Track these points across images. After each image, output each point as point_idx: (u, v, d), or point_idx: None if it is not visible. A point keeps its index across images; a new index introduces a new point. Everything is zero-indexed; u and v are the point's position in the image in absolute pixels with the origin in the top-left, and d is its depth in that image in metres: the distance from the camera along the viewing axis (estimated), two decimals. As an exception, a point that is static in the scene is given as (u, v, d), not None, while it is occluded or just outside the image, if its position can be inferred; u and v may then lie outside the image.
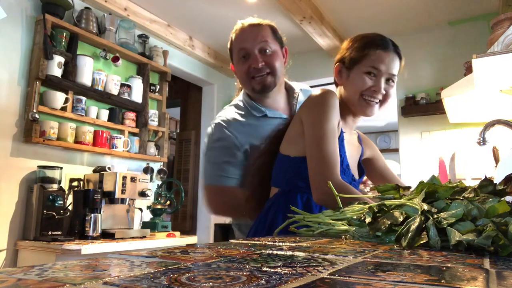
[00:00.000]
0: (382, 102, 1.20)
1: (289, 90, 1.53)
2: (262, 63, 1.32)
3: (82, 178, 2.56)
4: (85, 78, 2.62)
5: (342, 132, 1.17)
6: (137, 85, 3.02)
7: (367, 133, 7.10)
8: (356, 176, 1.26)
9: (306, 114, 1.14)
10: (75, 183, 2.47)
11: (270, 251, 0.48)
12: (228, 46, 1.42)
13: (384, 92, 1.19)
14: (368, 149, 1.38)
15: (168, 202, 3.01)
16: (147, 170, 3.09)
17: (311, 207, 1.11)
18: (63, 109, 2.52)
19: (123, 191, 2.46)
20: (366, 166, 1.39)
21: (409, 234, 0.54)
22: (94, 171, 2.64)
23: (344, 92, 1.21)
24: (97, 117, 2.74)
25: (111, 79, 2.81)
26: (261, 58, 1.33)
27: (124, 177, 2.48)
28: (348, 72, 1.19)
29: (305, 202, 1.12)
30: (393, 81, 1.23)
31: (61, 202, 2.28)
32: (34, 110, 2.35)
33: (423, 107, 3.26)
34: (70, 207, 2.31)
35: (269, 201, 1.19)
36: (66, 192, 2.36)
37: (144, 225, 2.83)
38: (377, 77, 1.17)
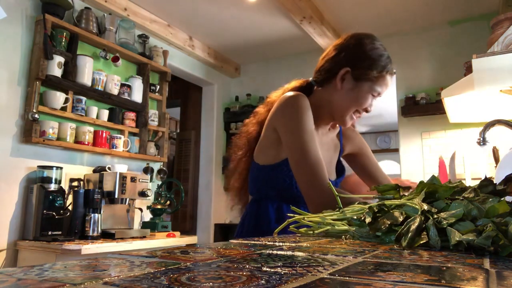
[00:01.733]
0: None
1: None
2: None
3: (82, 178, 2.56)
4: (85, 78, 2.62)
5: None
6: (137, 85, 3.02)
7: (367, 133, 7.10)
8: (332, 177, 1.23)
9: (280, 121, 1.09)
10: (75, 183, 2.47)
11: (270, 251, 0.48)
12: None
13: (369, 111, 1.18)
14: (349, 144, 1.33)
15: (168, 202, 3.01)
16: (147, 170, 3.09)
17: (283, 214, 1.09)
18: (63, 109, 2.52)
19: (123, 191, 2.46)
20: (350, 160, 1.35)
21: (409, 234, 0.54)
22: (94, 171, 2.64)
23: (336, 98, 1.13)
24: (97, 117, 2.74)
25: (111, 79, 2.81)
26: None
27: (124, 177, 2.48)
28: (354, 83, 1.11)
29: (277, 209, 1.11)
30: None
31: (61, 202, 2.28)
32: (34, 110, 2.35)
33: (423, 107, 3.26)
34: (70, 207, 2.31)
35: (246, 209, 1.18)
36: (66, 192, 2.36)
37: (144, 225, 2.83)
38: (374, 98, 1.15)
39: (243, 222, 1.15)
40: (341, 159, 1.33)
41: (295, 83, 1.23)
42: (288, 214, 0.79)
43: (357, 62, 1.11)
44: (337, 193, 0.82)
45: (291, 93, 1.11)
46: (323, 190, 0.98)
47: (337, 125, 1.28)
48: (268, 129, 1.13)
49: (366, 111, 1.15)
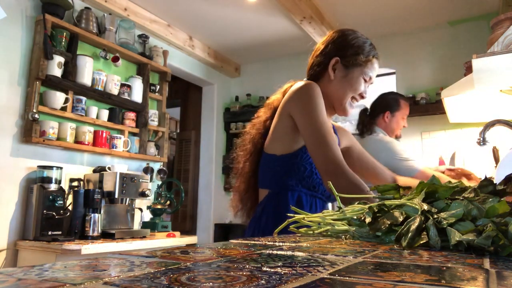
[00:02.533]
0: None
1: None
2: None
3: (82, 178, 2.56)
4: (85, 78, 2.62)
5: None
6: (137, 85, 3.02)
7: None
8: None
9: (296, 107, 1.13)
10: (75, 183, 2.47)
11: (270, 251, 0.48)
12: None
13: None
14: (344, 139, 1.38)
15: (168, 202, 3.02)
16: (147, 170, 3.09)
17: (302, 205, 1.11)
18: (63, 109, 2.52)
19: (123, 191, 2.46)
20: (345, 155, 1.36)
21: (409, 234, 0.54)
22: (94, 171, 2.64)
23: (332, 88, 1.20)
24: (97, 117, 2.74)
25: (111, 79, 2.81)
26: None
27: (124, 177, 2.48)
28: (345, 71, 1.19)
29: (297, 200, 1.11)
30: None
31: (61, 202, 2.28)
32: (34, 110, 2.35)
33: (423, 107, 3.26)
34: (70, 207, 2.31)
35: (260, 205, 1.17)
36: (66, 192, 2.36)
37: (144, 225, 2.83)
38: (367, 83, 1.21)
39: (259, 220, 1.14)
40: None
41: (292, 83, 1.26)
42: (288, 214, 0.79)
43: (345, 51, 1.20)
44: (337, 193, 0.82)
45: (303, 82, 1.17)
46: (340, 165, 1.02)
47: (331, 124, 1.33)
48: (282, 117, 1.16)
49: (362, 97, 1.21)
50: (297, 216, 0.77)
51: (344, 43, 1.21)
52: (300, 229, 0.76)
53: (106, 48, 2.79)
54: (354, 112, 1.45)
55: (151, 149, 3.09)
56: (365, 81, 1.20)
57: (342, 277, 0.31)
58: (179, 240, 2.73)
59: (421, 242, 0.54)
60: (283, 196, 1.12)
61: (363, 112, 2.24)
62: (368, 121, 2.18)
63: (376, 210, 0.64)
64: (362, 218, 0.65)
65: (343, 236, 0.67)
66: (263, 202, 1.16)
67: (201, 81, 4.17)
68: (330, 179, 1.01)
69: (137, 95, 3.00)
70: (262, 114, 1.26)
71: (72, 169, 2.62)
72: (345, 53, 1.19)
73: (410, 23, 3.42)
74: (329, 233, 0.71)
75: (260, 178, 1.20)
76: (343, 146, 1.36)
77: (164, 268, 0.33)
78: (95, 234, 2.27)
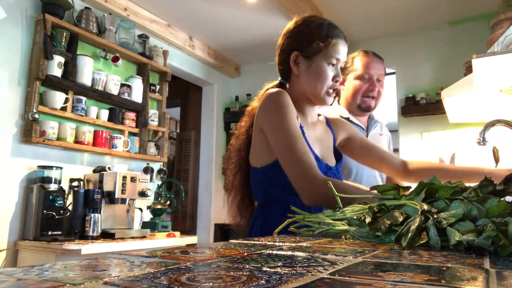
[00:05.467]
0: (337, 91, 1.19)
1: None
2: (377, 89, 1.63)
3: (82, 178, 2.56)
4: (85, 78, 2.62)
5: (301, 126, 1.12)
6: (137, 85, 3.02)
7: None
8: (332, 163, 1.22)
9: (264, 121, 1.10)
10: (75, 183, 2.47)
11: (270, 251, 0.48)
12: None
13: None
14: (341, 131, 1.32)
15: (168, 202, 3.01)
16: (147, 170, 3.09)
17: (291, 212, 1.09)
18: (63, 109, 2.52)
19: (123, 191, 2.46)
20: (346, 148, 1.33)
21: (409, 234, 0.54)
22: (94, 171, 2.64)
23: (302, 83, 1.16)
24: (97, 117, 2.74)
25: (111, 79, 2.81)
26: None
27: (124, 177, 2.48)
28: (308, 62, 1.14)
29: (284, 208, 1.07)
30: (343, 69, 1.21)
31: (61, 202, 2.28)
32: (34, 110, 2.35)
33: (423, 107, 3.26)
34: (70, 207, 2.31)
35: (252, 217, 1.17)
36: (66, 192, 2.36)
37: (144, 225, 2.83)
38: (336, 67, 1.15)
39: (251, 231, 1.13)
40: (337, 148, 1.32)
41: (267, 87, 1.25)
42: (288, 214, 0.79)
43: (300, 42, 1.14)
44: (337, 193, 0.82)
45: (271, 91, 1.13)
46: (314, 180, 0.98)
47: (323, 117, 1.30)
48: (256, 131, 1.14)
49: (337, 81, 1.15)
50: (297, 216, 0.77)
51: (298, 34, 1.15)
52: (300, 229, 0.76)
53: (106, 48, 2.79)
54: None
55: (151, 149, 3.09)
56: (332, 65, 1.14)
57: (342, 277, 0.31)
58: (179, 240, 2.73)
59: (421, 242, 0.54)
60: (270, 207, 1.11)
61: None
62: None
63: (376, 210, 0.64)
64: (362, 218, 0.65)
65: (343, 236, 0.67)
66: (254, 213, 1.16)
67: (201, 81, 4.17)
68: (304, 196, 1.01)
69: (137, 95, 3.00)
70: (243, 123, 1.23)
71: (72, 169, 2.62)
72: (302, 44, 1.14)
73: (410, 23, 3.42)
74: (329, 233, 0.71)
75: (252, 191, 1.19)
76: (342, 139, 1.32)
77: (164, 268, 0.33)
78: (95, 234, 2.27)
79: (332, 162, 1.23)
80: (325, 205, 0.99)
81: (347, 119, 1.72)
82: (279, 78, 1.25)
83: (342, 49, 1.15)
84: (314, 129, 1.22)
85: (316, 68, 1.13)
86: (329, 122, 1.31)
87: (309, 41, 1.13)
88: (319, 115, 1.32)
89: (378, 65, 1.74)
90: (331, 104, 1.23)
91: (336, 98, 1.81)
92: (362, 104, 1.72)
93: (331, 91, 1.15)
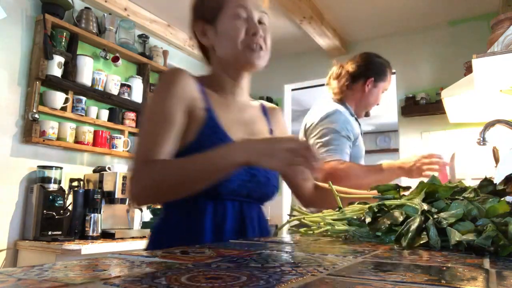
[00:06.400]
0: (263, 48, 0.99)
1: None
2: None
3: (82, 178, 2.56)
4: (85, 78, 2.62)
5: (209, 109, 0.93)
6: (137, 85, 3.02)
7: (367, 133, 7.09)
8: None
9: None
10: (75, 183, 2.47)
11: (270, 251, 0.48)
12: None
13: (262, 34, 0.99)
14: (276, 124, 1.13)
15: (168, 202, 3.01)
16: (147, 170, 3.08)
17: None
18: (63, 109, 2.52)
19: (123, 191, 2.46)
20: None
21: (409, 234, 0.54)
22: (94, 171, 2.64)
23: (218, 52, 0.99)
24: (97, 117, 2.74)
25: (111, 79, 2.81)
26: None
27: (124, 177, 2.48)
28: (213, 26, 0.98)
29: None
30: (265, 23, 1.03)
31: (61, 202, 2.28)
32: (34, 110, 2.35)
33: (423, 107, 3.26)
34: (70, 207, 2.31)
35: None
36: (66, 192, 2.36)
37: (144, 225, 2.83)
38: (248, 17, 0.98)
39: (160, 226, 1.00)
40: None
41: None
42: (288, 214, 0.79)
43: (200, 9, 1.02)
44: (337, 194, 0.82)
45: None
46: (137, 159, 0.83)
47: (259, 103, 1.13)
48: None
49: (255, 34, 0.98)
50: (297, 216, 0.78)
51: (196, 2, 1.04)
52: (300, 229, 0.76)
53: (106, 48, 2.79)
54: None
55: (151, 149, 3.09)
56: (239, 17, 0.98)
57: (342, 277, 0.31)
58: (179, 240, 2.73)
59: (421, 242, 0.54)
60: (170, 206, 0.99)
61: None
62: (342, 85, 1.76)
63: (376, 210, 0.64)
64: (362, 218, 0.65)
65: (343, 236, 0.67)
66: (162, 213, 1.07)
67: (201, 81, 4.16)
68: (127, 194, 0.89)
69: (137, 95, 3.00)
70: None
71: (72, 169, 2.62)
72: (201, 10, 1.02)
73: (410, 23, 3.41)
74: (329, 233, 0.71)
75: None
76: (275, 134, 1.11)
77: (164, 268, 0.33)
78: (95, 234, 2.27)
79: None
80: (154, 201, 0.84)
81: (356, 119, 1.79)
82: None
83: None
84: (240, 111, 1.03)
85: (222, 28, 0.97)
86: (266, 110, 1.13)
87: (203, 3, 1.00)
88: (256, 100, 1.15)
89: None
90: (263, 65, 1.02)
91: (340, 96, 1.77)
92: (368, 111, 1.87)
93: (254, 45, 0.96)
